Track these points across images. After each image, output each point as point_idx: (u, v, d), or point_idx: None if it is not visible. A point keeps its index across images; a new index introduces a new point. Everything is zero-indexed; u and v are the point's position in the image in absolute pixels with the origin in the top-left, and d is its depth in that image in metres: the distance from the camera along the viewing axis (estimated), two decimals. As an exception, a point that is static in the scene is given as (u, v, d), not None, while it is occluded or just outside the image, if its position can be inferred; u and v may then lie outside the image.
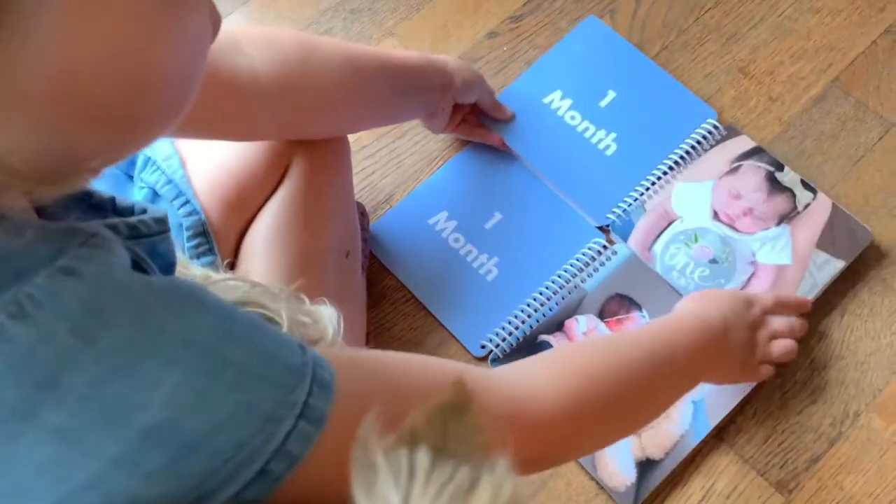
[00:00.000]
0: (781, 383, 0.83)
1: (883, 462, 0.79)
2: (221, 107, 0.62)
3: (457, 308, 0.86)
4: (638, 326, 0.76)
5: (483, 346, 0.84)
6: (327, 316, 0.58)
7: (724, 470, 0.79)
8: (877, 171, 0.92)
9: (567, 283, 0.86)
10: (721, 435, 0.80)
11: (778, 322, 0.78)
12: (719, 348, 0.70)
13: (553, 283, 0.86)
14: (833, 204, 0.89)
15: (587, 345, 0.63)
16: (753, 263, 0.87)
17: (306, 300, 0.61)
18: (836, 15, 1.01)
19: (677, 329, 0.67)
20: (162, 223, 0.43)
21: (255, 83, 0.63)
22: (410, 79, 0.78)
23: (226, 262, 0.68)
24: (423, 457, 0.28)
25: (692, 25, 1.01)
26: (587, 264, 0.87)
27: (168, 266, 0.45)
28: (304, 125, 0.70)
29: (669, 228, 0.89)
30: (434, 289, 0.87)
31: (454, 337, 0.86)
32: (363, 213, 0.86)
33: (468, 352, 0.85)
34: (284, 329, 0.54)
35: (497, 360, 0.83)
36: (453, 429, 0.29)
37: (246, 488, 0.38)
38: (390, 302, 0.88)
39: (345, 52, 0.71)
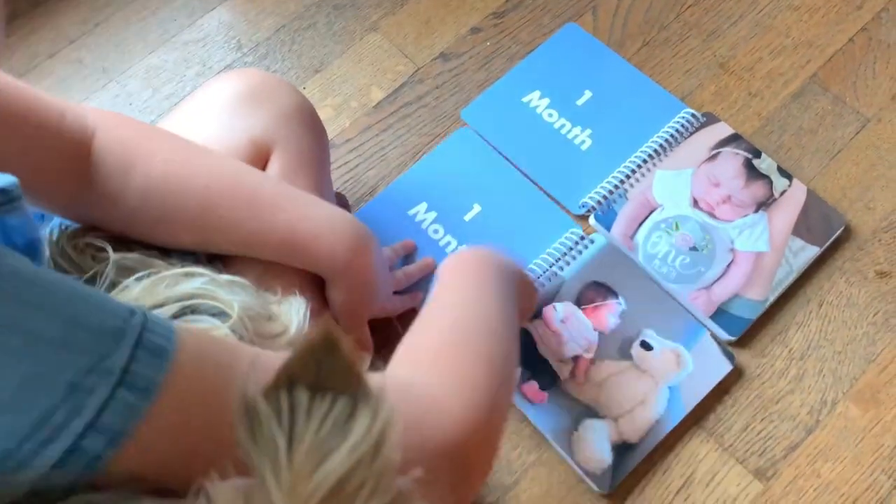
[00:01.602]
0: (760, 373, 0.84)
1: (859, 450, 0.80)
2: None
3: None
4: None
5: None
6: (295, 308, 0.59)
7: (703, 458, 0.80)
8: (854, 165, 0.93)
9: (545, 271, 0.87)
10: (701, 423, 0.81)
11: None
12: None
13: (530, 271, 0.87)
14: (808, 190, 0.90)
15: (466, 330, 0.56)
16: (732, 251, 0.88)
17: (278, 293, 0.61)
18: (815, 12, 1.02)
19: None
20: (6, 193, 0.40)
21: (84, 191, 0.59)
22: (296, 261, 0.66)
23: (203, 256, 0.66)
24: (301, 395, 0.29)
25: (673, 22, 1.02)
26: (564, 254, 0.88)
27: (30, 243, 0.42)
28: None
29: (651, 217, 0.90)
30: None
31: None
32: (345, 205, 0.86)
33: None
34: (233, 318, 0.53)
35: None
36: (326, 366, 0.30)
37: (57, 468, 0.34)
38: (373, 293, 0.88)
39: (205, 222, 0.62)
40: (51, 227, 0.60)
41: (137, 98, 1.00)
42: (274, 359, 0.37)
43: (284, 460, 0.29)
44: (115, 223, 0.61)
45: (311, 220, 0.65)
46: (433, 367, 0.50)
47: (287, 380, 0.30)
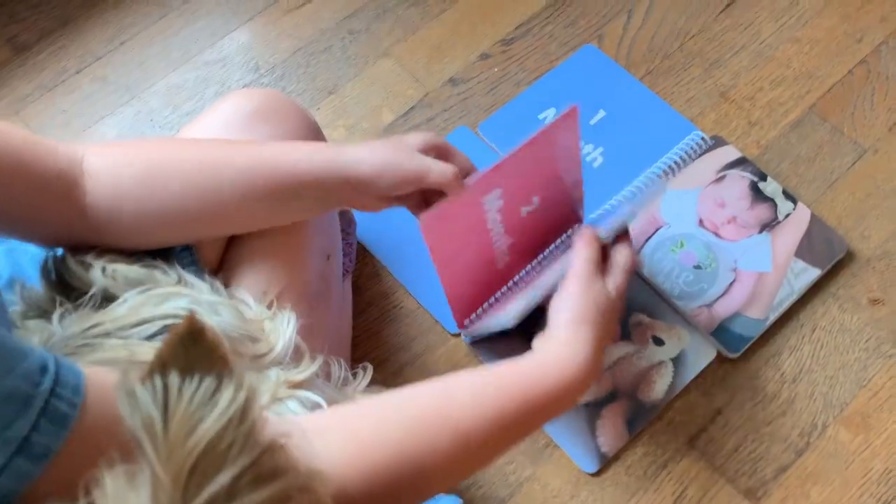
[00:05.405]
0: (752, 395, 0.85)
1: (848, 473, 0.81)
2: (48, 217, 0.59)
3: (435, 290, 0.89)
4: (486, 373, 0.61)
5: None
6: (284, 325, 0.61)
7: (695, 476, 0.82)
8: (850, 195, 0.96)
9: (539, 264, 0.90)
10: (693, 443, 0.83)
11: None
12: (592, 359, 0.62)
13: (532, 268, 0.89)
14: (812, 214, 0.93)
15: (410, 415, 0.53)
16: (735, 270, 0.90)
17: (273, 306, 0.64)
18: (815, 44, 1.05)
19: (534, 377, 0.59)
20: None
21: (81, 217, 0.60)
22: (301, 191, 0.65)
23: (207, 269, 0.68)
24: (173, 378, 0.33)
25: (676, 51, 1.05)
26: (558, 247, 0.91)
27: None
28: (140, 245, 0.64)
29: (657, 234, 0.93)
30: (415, 272, 0.92)
31: (437, 322, 0.89)
32: (350, 221, 0.89)
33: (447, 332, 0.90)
34: None
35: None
36: (193, 352, 0.34)
37: None
38: (378, 308, 0.91)
39: (191, 183, 0.62)
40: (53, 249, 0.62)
41: (158, 115, 1.04)
42: None
43: (160, 431, 0.32)
44: (125, 228, 0.62)
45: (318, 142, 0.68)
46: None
47: (160, 366, 0.34)
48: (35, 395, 0.37)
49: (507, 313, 0.79)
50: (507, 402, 0.56)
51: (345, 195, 0.66)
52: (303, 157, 0.64)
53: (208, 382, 0.33)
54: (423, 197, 0.69)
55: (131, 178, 0.61)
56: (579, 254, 0.68)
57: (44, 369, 0.39)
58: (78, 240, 0.61)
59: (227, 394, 0.33)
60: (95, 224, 0.60)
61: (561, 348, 0.61)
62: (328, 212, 0.69)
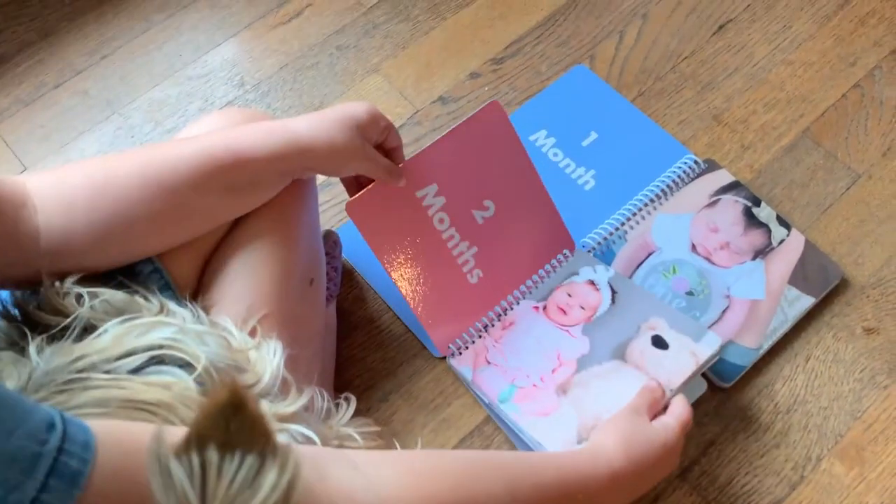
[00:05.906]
0: (745, 426, 0.84)
1: (843, 507, 0.80)
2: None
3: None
4: (532, 453, 0.71)
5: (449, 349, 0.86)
6: (270, 354, 0.59)
7: (686, 511, 0.80)
8: (844, 220, 0.94)
9: (531, 287, 0.88)
10: (685, 476, 0.81)
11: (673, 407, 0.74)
12: (627, 470, 0.65)
13: (519, 291, 0.88)
14: (806, 241, 0.91)
15: (464, 461, 0.57)
16: (728, 297, 0.88)
17: (258, 336, 0.61)
18: (809, 68, 1.04)
19: (570, 462, 0.64)
20: None
21: (35, 237, 0.57)
22: (254, 174, 0.65)
23: (188, 292, 0.66)
24: (211, 454, 0.30)
25: (669, 73, 1.04)
26: (548, 272, 0.89)
27: None
28: (101, 262, 0.62)
29: (649, 259, 0.91)
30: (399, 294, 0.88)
31: (425, 348, 0.87)
32: (335, 242, 0.87)
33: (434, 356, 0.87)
34: (198, 370, 0.52)
35: (454, 356, 0.85)
36: (235, 425, 0.31)
37: None
38: (364, 332, 0.89)
39: (144, 178, 0.60)
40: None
41: (139, 131, 1.01)
42: None
43: None
44: (81, 239, 0.59)
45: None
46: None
47: (198, 439, 0.31)
48: (42, 454, 0.35)
49: (538, 429, 0.77)
50: (545, 472, 0.60)
51: (295, 171, 0.68)
52: (256, 139, 0.65)
53: (250, 461, 0.31)
54: (357, 178, 0.76)
55: (80, 186, 0.60)
56: (637, 393, 0.75)
57: (51, 426, 0.36)
58: (34, 267, 0.58)
59: (270, 476, 0.31)
60: (50, 244, 0.58)
61: (599, 445, 0.67)
62: (278, 189, 0.69)
